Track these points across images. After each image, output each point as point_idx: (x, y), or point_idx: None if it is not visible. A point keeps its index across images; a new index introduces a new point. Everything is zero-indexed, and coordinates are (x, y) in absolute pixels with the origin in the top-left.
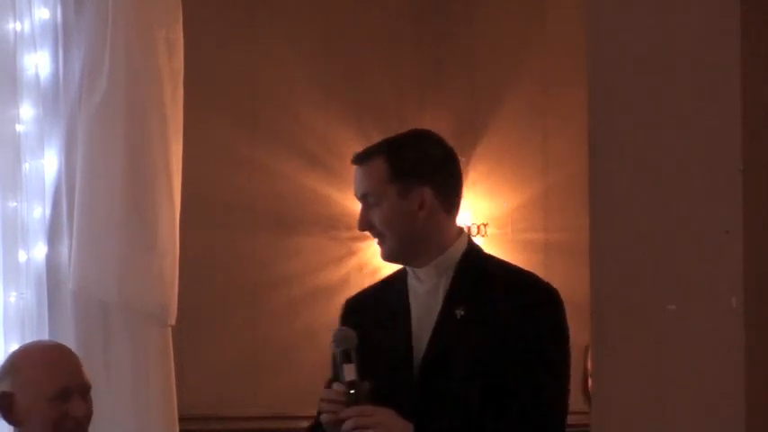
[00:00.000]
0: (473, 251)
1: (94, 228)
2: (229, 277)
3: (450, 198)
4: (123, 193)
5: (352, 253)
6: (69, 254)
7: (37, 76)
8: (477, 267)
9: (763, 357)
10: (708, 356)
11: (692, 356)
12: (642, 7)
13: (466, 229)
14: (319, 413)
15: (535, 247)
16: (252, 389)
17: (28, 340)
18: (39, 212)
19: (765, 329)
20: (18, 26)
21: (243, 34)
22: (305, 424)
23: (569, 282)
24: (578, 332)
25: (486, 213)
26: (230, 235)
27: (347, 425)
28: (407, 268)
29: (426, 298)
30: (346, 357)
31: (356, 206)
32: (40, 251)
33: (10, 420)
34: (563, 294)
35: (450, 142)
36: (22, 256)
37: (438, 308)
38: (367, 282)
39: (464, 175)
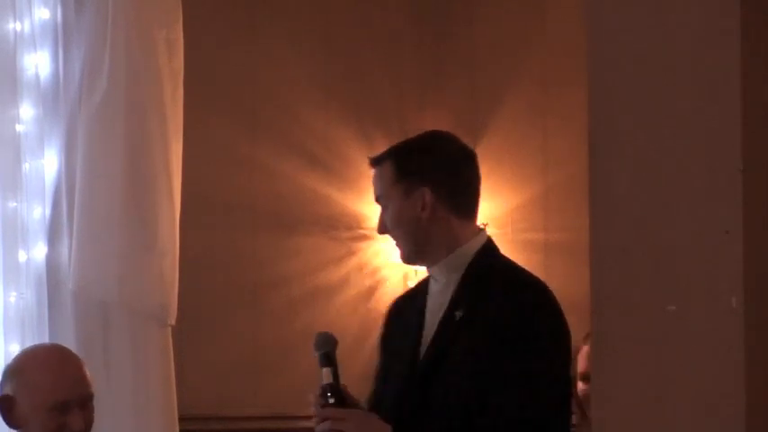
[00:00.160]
0: (486, 252)
1: (94, 228)
2: (229, 277)
3: (457, 198)
4: (123, 193)
5: (352, 253)
6: (69, 254)
7: (37, 76)
8: (484, 268)
9: (763, 357)
10: (708, 356)
11: (692, 356)
12: (642, 7)
13: None
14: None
15: (535, 247)
16: (252, 389)
17: (28, 340)
18: (39, 212)
19: (765, 329)
20: (18, 26)
21: (243, 34)
22: (305, 424)
23: (569, 282)
24: (578, 332)
25: (485, 213)
26: (230, 235)
27: (320, 428)
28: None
29: (438, 298)
30: (325, 361)
31: (356, 206)
32: (40, 251)
33: (10, 423)
34: (563, 294)
35: None
36: (22, 256)
37: (444, 308)
38: (367, 282)
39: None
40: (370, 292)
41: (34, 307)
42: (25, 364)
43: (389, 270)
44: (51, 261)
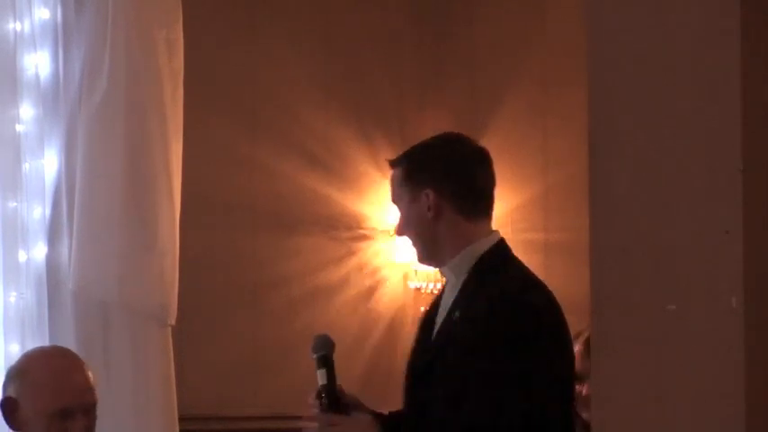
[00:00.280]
0: (494, 253)
1: (94, 228)
2: (229, 277)
3: (463, 199)
4: (123, 193)
5: (351, 253)
6: (69, 254)
7: (37, 76)
8: (486, 270)
9: (763, 357)
10: (708, 356)
11: (692, 356)
12: (642, 7)
13: None
14: None
15: (535, 247)
16: (252, 389)
17: (28, 340)
18: (39, 212)
19: (765, 329)
20: (18, 26)
21: (243, 34)
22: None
23: (569, 282)
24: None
25: None
26: (230, 235)
27: None
28: None
29: (447, 298)
30: (320, 363)
31: (356, 206)
32: (40, 251)
33: (12, 426)
34: (563, 294)
35: None
36: (22, 256)
37: (448, 309)
38: (367, 282)
39: None
40: (370, 292)
41: (34, 307)
42: (30, 367)
43: (389, 270)
44: (51, 261)
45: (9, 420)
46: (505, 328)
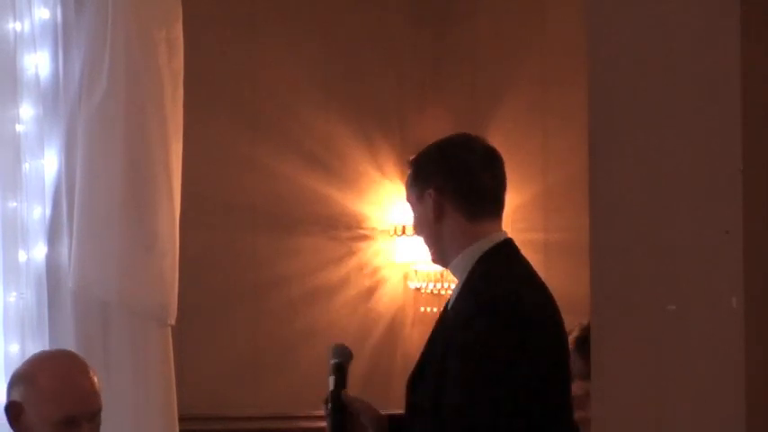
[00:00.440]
0: (494, 253)
1: (94, 228)
2: (229, 277)
3: (465, 199)
4: (123, 193)
5: (351, 253)
6: (69, 254)
7: (37, 76)
8: (484, 270)
9: (763, 357)
10: (708, 356)
11: (692, 356)
12: (642, 7)
13: None
14: None
15: (535, 247)
16: (252, 389)
17: (28, 340)
18: (39, 212)
19: (765, 329)
20: (18, 26)
21: (243, 34)
22: (305, 424)
23: (569, 282)
24: None
25: None
26: (230, 235)
27: None
28: None
29: (450, 299)
30: (332, 370)
31: (356, 206)
32: (40, 251)
33: (16, 430)
34: (563, 294)
35: None
36: (22, 256)
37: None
38: (367, 282)
39: None
40: (370, 292)
41: (34, 307)
42: (36, 371)
43: (389, 270)
44: (51, 261)
45: (13, 424)
46: (486, 331)
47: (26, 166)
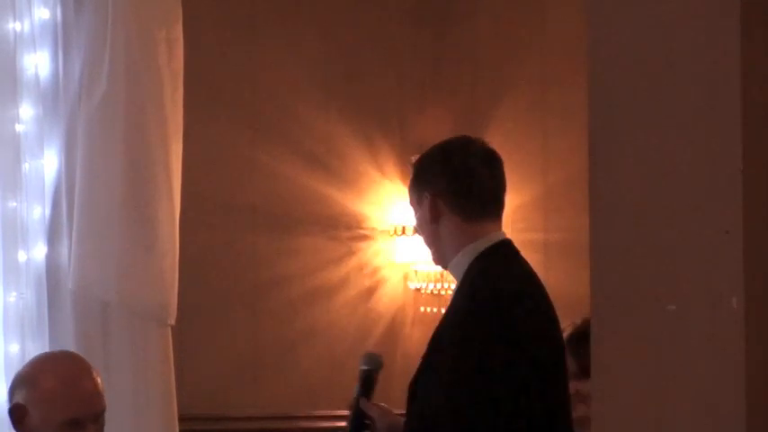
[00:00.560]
0: (489, 253)
1: (94, 228)
2: (229, 277)
3: (462, 200)
4: (123, 193)
5: (351, 253)
6: (69, 254)
7: (37, 76)
8: (479, 270)
9: (763, 357)
10: (708, 356)
11: (692, 356)
12: (642, 7)
13: None
14: None
15: (535, 248)
16: (252, 389)
17: (28, 340)
18: (39, 212)
19: (765, 329)
20: (18, 26)
21: (243, 34)
22: (305, 424)
23: (569, 282)
24: None
25: None
26: (230, 235)
27: None
28: None
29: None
30: (359, 377)
31: (356, 206)
32: (40, 251)
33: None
34: (563, 294)
35: None
36: (22, 256)
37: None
38: (367, 282)
39: None
40: (370, 292)
41: (34, 307)
42: (39, 374)
43: (389, 270)
44: (51, 261)
45: (17, 427)
46: (482, 328)
47: (26, 166)
